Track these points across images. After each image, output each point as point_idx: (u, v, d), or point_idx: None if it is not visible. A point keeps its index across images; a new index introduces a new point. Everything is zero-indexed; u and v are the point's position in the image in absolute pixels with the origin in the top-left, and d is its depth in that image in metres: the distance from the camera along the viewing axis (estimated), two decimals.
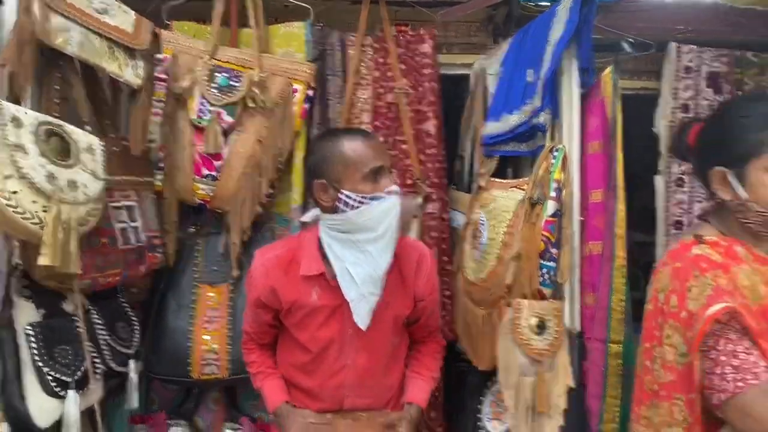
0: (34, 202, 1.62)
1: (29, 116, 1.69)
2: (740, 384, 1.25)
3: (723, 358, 1.28)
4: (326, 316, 1.80)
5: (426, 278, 1.86)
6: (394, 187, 1.71)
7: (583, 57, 2.02)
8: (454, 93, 2.74)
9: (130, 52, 2.03)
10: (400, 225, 1.73)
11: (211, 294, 2.30)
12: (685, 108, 2.81)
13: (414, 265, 1.85)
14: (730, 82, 2.84)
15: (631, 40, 2.68)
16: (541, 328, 1.89)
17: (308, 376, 1.85)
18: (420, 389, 1.90)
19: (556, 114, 2.01)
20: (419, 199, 2.38)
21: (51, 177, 1.66)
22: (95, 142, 1.88)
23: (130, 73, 2.04)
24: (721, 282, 1.33)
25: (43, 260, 1.63)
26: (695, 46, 2.81)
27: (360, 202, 1.69)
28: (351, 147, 1.71)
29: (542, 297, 1.95)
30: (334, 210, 1.72)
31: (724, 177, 1.41)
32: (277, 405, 1.86)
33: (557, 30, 2.03)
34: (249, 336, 1.96)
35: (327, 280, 1.78)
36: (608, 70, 1.98)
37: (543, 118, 2.01)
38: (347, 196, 1.69)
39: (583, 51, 2.01)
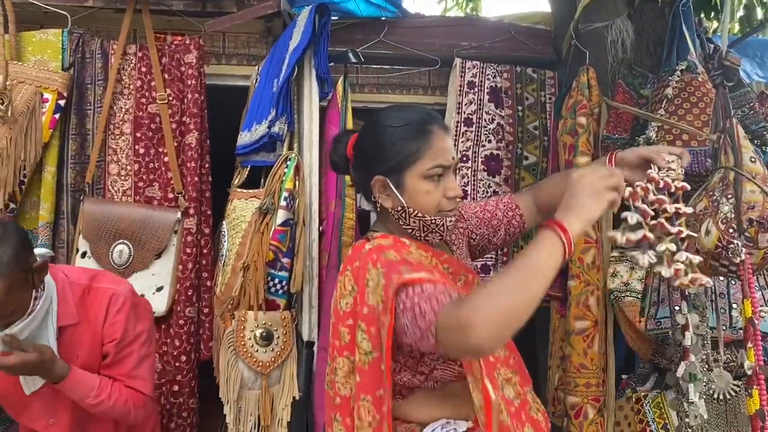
0: None
1: None
2: (437, 308, 1.24)
3: (416, 300, 1.27)
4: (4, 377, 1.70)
5: (108, 327, 1.75)
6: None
7: (320, 66, 2.02)
8: (234, 105, 2.69)
9: None
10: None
11: None
12: (469, 121, 2.90)
13: (102, 314, 1.76)
14: (511, 96, 2.95)
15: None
16: (267, 339, 1.85)
17: None
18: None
19: (291, 123, 2.00)
20: (178, 214, 2.31)
21: None
22: None
23: None
24: (390, 257, 1.34)
25: None
26: (479, 62, 2.90)
27: None
28: None
29: (275, 307, 1.91)
30: None
31: (384, 185, 1.43)
32: None
33: (295, 39, 2.03)
34: None
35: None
36: (339, 81, 1.99)
37: (278, 127, 1.99)
38: None
39: (319, 60, 2.02)
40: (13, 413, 1.79)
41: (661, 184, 1.39)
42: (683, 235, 1.34)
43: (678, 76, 2.23)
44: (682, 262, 1.33)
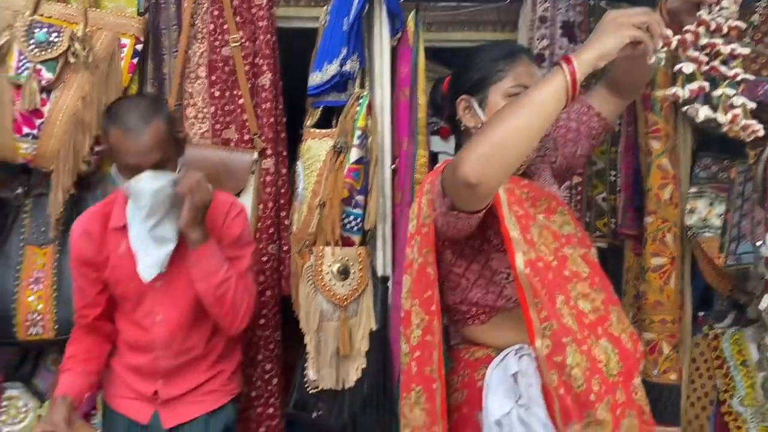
0: None
1: None
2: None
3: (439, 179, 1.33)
4: (132, 268, 1.79)
5: (227, 228, 1.86)
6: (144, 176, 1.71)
7: (390, 2, 2.01)
8: (301, 47, 2.71)
9: None
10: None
11: (38, 255, 2.27)
12: (541, 57, 2.83)
13: (222, 216, 1.87)
14: (584, 30, 2.86)
15: None
16: (344, 273, 1.90)
17: (131, 346, 1.88)
18: None
19: (362, 61, 2.00)
20: (255, 155, 2.36)
21: None
22: None
23: None
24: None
25: None
26: None
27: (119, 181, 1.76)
28: (114, 136, 1.73)
29: (350, 243, 1.96)
30: None
31: (468, 103, 1.47)
32: (55, 395, 1.83)
33: None
34: (79, 317, 1.92)
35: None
36: (410, 16, 1.97)
37: (350, 65, 2.00)
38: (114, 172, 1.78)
39: None
40: (126, 308, 1.87)
41: (713, 26, 1.25)
42: (739, 78, 1.23)
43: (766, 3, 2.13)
44: (739, 107, 1.22)
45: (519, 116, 1.17)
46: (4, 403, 2.24)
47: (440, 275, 1.50)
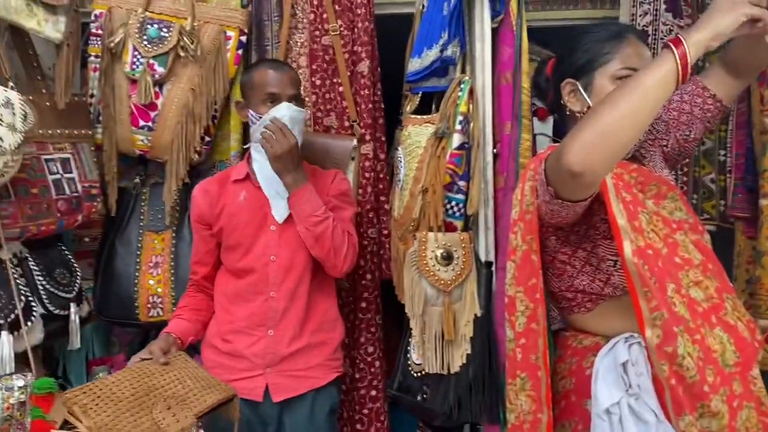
0: None
1: None
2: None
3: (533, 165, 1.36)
4: (251, 213, 2.01)
5: (337, 184, 2.09)
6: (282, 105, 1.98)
7: None
8: (397, 32, 2.72)
9: (51, 8, 2.10)
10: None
11: (156, 241, 2.41)
12: (644, 34, 2.73)
13: (331, 178, 2.11)
14: (690, 4, 2.73)
15: None
16: (447, 259, 1.92)
17: (240, 297, 2.00)
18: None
19: (463, 45, 1.99)
20: (354, 141, 2.40)
21: None
22: (13, 96, 1.96)
23: (51, 29, 2.11)
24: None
25: None
26: None
27: (257, 119, 2.00)
28: (257, 74, 2.05)
29: (452, 229, 1.98)
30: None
31: (573, 87, 1.45)
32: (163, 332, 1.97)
33: None
34: (192, 273, 2.12)
35: (252, 183, 2.04)
36: None
37: (451, 50, 2.00)
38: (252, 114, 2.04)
39: None
40: (237, 256, 2.01)
41: None
42: None
43: None
44: None
45: (625, 102, 1.14)
46: None
47: (544, 262, 1.49)
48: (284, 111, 1.96)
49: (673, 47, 1.14)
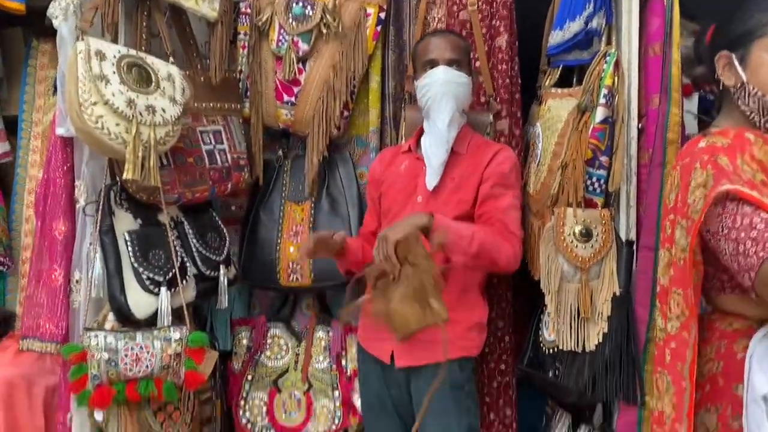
0: (117, 124, 1.91)
1: (112, 50, 1.96)
2: (762, 254, 1.22)
3: (742, 234, 1.26)
4: (405, 183, 2.11)
5: (496, 164, 2.02)
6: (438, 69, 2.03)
7: None
8: (532, 8, 2.66)
9: None
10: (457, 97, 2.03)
11: (296, 211, 2.52)
12: None
13: (491, 155, 2.06)
14: None
15: None
16: (586, 235, 1.88)
17: None
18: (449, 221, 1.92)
19: (609, 17, 1.93)
20: (490, 116, 2.39)
21: (130, 102, 1.93)
22: (174, 71, 2.12)
23: (207, 7, 2.26)
24: (722, 162, 1.30)
25: (126, 175, 1.92)
26: None
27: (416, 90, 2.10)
28: (420, 44, 2.16)
29: (592, 205, 1.94)
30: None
31: (728, 61, 1.38)
32: None
33: None
34: (362, 227, 2.32)
35: (414, 154, 2.14)
36: None
37: (596, 22, 1.94)
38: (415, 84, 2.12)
39: None
40: (391, 216, 2.10)
41: None
42: None
43: None
44: None
45: None
46: (269, 340, 2.54)
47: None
48: (439, 75, 2.00)
49: None
